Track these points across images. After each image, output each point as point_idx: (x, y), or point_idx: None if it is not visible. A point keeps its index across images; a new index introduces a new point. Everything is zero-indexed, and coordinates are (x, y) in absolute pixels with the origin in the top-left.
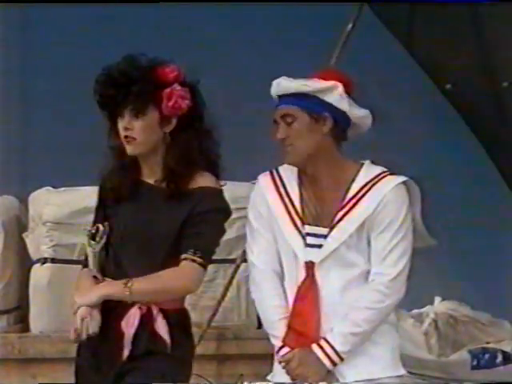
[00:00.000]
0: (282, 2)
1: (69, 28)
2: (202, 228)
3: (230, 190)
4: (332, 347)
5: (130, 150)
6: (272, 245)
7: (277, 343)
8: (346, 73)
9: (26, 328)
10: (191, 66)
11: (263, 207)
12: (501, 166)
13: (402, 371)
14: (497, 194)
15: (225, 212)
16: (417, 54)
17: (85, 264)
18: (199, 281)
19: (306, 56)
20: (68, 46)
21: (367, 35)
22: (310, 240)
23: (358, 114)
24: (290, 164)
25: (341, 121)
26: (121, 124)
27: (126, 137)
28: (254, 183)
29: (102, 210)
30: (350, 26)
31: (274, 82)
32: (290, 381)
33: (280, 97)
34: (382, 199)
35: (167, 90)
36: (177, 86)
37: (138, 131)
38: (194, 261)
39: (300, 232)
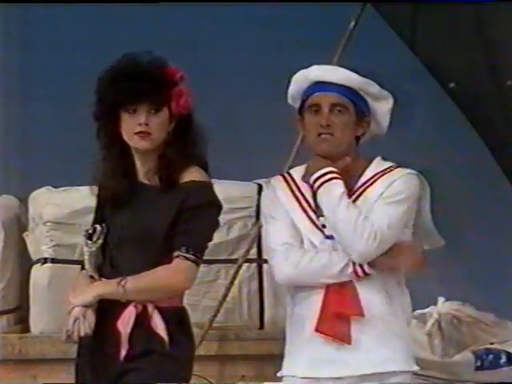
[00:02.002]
0: (283, 2)
1: (69, 28)
2: (193, 224)
3: (227, 190)
4: None
5: (144, 144)
6: (294, 228)
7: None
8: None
9: (26, 328)
10: (186, 65)
11: (277, 199)
12: (505, 165)
13: (416, 367)
14: (501, 194)
15: (215, 205)
16: (420, 53)
17: (83, 265)
18: (193, 278)
19: (307, 55)
20: (68, 46)
21: (370, 33)
22: (328, 231)
23: (382, 131)
24: (324, 152)
25: (369, 128)
26: (134, 120)
27: (141, 132)
28: (255, 183)
29: (101, 211)
30: (353, 24)
31: (328, 67)
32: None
33: (321, 83)
34: (391, 183)
35: (176, 89)
36: (184, 86)
37: (154, 127)
38: (186, 258)
39: (316, 225)
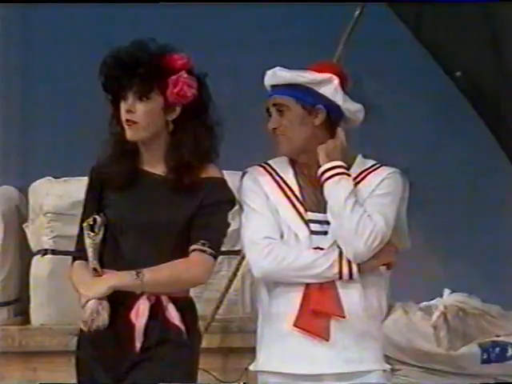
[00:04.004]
0: (283, 2)
1: (69, 28)
2: (211, 219)
3: (230, 181)
4: None
5: (130, 134)
6: (275, 222)
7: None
8: (344, 66)
9: (26, 320)
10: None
11: (259, 190)
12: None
13: (387, 366)
14: (508, 185)
15: (232, 203)
16: (426, 41)
17: (77, 256)
18: (210, 271)
19: (308, 51)
20: (68, 46)
21: (375, 21)
22: (313, 227)
23: (352, 109)
24: (281, 154)
25: (334, 113)
26: (123, 106)
27: (127, 120)
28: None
29: (97, 200)
30: (358, 12)
31: (269, 72)
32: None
33: (273, 87)
34: (381, 182)
35: (173, 77)
36: (183, 74)
37: (140, 115)
38: (204, 251)
39: (303, 219)
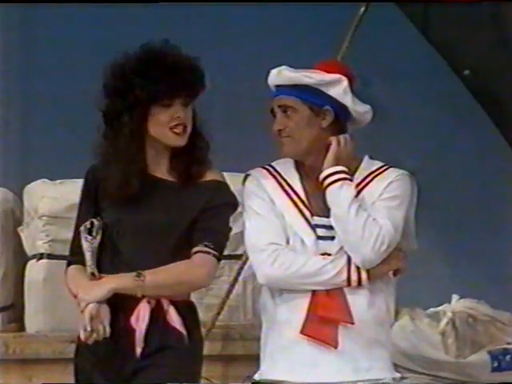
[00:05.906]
0: (283, 2)
1: (69, 28)
2: (214, 222)
3: (231, 183)
4: None
5: (180, 142)
6: (280, 227)
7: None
8: (349, 65)
9: (21, 327)
10: None
11: (263, 194)
12: None
13: (397, 375)
14: None
15: (234, 206)
16: (433, 39)
17: (72, 260)
18: (213, 274)
19: (310, 51)
20: (68, 46)
21: (382, 19)
22: (320, 232)
23: (360, 110)
24: (286, 156)
25: (341, 115)
26: (168, 113)
27: (177, 126)
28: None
29: (93, 203)
30: (363, 9)
31: (274, 71)
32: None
33: (278, 87)
34: (388, 184)
35: (205, 79)
36: None
37: (188, 120)
38: (207, 253)
39: (310, 224)
